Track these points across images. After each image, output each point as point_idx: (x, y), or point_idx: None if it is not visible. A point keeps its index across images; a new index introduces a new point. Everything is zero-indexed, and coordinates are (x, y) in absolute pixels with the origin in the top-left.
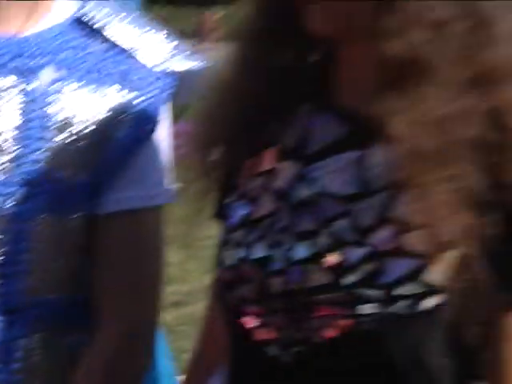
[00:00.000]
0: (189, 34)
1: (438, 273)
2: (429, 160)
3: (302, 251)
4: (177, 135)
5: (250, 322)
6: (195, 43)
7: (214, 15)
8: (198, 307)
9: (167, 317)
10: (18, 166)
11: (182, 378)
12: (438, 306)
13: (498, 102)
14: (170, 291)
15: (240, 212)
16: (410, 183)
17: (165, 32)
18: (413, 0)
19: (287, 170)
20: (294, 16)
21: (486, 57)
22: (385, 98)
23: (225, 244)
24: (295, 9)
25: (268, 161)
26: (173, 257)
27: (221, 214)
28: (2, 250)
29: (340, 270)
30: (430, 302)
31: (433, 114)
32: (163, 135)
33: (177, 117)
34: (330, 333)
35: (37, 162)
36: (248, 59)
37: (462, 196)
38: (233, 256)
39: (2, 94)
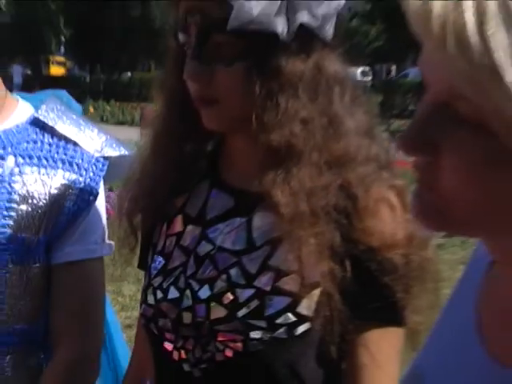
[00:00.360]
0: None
1: (306, 306)
2: (303, 220)
3: (205, 292)
4: (109, 201)
5: (169, 346)
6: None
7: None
8: None
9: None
10: None
11: None
12: (308, 331)
13: (348, 178)
14: (125, 316)
15: (158, 264)
16: (287, 238)
17: (98, 127)
18: (286, 102)
19: (192, 232)
20: (193, 115)
21: (338, 145)
22: (267, 175)
23: (147, 288)
24: (194, 111)
25: (177, 225)
26: (127, 290)
27: (143, 265)
28: None
29: (234, 306)
30: (302, 328)
31: (304, 186)
32: (101, 202)
33: (110, 188)
34: (228, 353)
35: (4, 226)
36: (160, 147)
37: (324, 248)
38: (154, 297)
39: None
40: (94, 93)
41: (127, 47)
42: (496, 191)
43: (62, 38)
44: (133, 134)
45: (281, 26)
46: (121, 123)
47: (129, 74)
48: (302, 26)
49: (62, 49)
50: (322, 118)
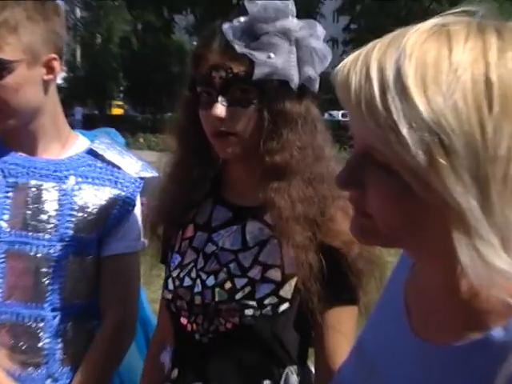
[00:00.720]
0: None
1: (286, 291)
2: (296, 221)
3: (211, 281)
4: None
5: (184, 320)
6: None
7: None
8: None
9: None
10: (57, 230)
11: None
12: (288, 309)
13: (323, 193)
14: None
15: (175, 260)
16: (280, 235)
17: (136, 156)
18: (287, 133)
19: (200, 237)
20: (201, 150)
21: (320, 167)
22: (269, 187)
23: (168, 277)
24: (202, 146)
25: (189, 231)
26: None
27: (165, 261)
28: (51, 276)
29: (232, 291)
30: (283, 307)
31: (299, 196)
32: (138, 210)
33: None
34: (228, 325)
35: (69, 229)
36: (176, 174)
37: (304, 244)
38: (173, 284)
39: (46, 191)
40: (144, 127)
41: (168, 94)
42: (407, 215)
43: (121, 88)
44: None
45: (296, 77)
46: (163, 150)
47: (169, 114)
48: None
49: (121, 95)
50: (310, 146)
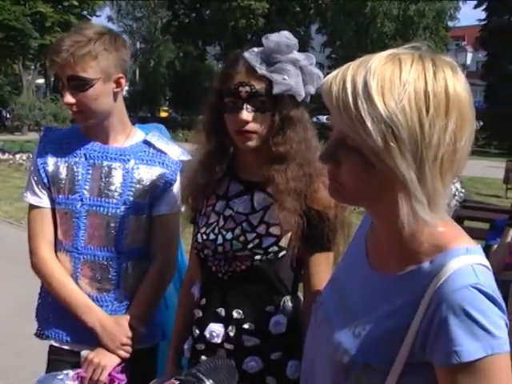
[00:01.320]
0: None
1: (284, 241)
2: (289, 193)
3: (229, 236)
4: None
5: (210, 263)
6: None
7: None
8: None
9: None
10: (121, 197)
11: None
12: (285, 254)
13: (310, 172)
14: None
15: (202, 221)
16: (277, 203)
17: (177, 145)
18: (289, 132)
19: (220, 203)
20: (223, 142)
21: (309, 154)
22: (272, 169)
23: (197, 233)
24: (224, 139)
25: (212, 200)
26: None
27: (194, 221)
28: (117, 229)
29: (245, 242)
30: (281, 253)
31: (292, 175)
32: (178, 184)
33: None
34: (243, 267)
35: (129, 195)
36: (204, 159)
37: (295, 209)
38: (201, 238)
39: (114, 169)
40: (183, 126)
41: (200, 103)
42: (368, 184)
43: (167, 98)
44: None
45: (303, 93)
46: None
47: (201, 116)
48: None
49: (167, 103)
50: (303, 140)
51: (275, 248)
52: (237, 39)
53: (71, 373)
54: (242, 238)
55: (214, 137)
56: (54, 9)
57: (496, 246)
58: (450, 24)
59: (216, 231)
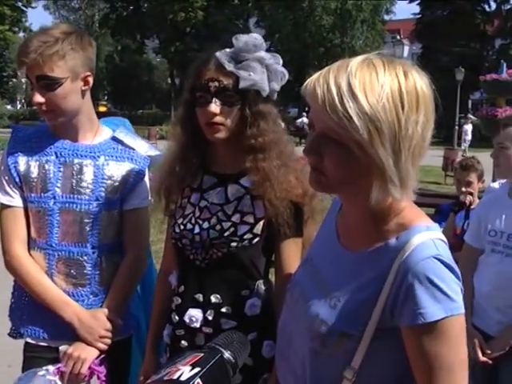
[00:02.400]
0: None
1: (257, 229)
2: (266, 181)
3: (205, 225)
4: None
5: (187, 252)
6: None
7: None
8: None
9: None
10: (93, 193)
11: None
12: (258, 241)
13: (284, 163)
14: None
15: (178, 212)
16: (258, 191)
17: (144, 140)
18: (262, 124)
19: (195, 195)
20: (197, 135)
21: (281, 146)
22: (248, 160)
23: (174, 224)
24: (197, 132)
25: (187, 192)
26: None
27: (170, 214)
28: (90, 224)
29: (221, 231)
30: (255, 240)
31: (270, 164)
32: (147, 178)
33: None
34: (219, 254)
35: (101, 191)
36: (178, 152)
37: (271, 197)
38: (178, 228)
39: (85, 167)
40: None
41: (140, 97)
42: (349, 173)
43: (105, 92)
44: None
45: (267, 88)
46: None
47: (140, 111)
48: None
49: (106, 97)
50: (275, 133)
51: (250, 235)
52: (176, 32)
53: (51, 368)
54: (218, 227)
55: (188, 130)
56: None
57: (442, 229)
58: (387, 18)
59: (193, 221)
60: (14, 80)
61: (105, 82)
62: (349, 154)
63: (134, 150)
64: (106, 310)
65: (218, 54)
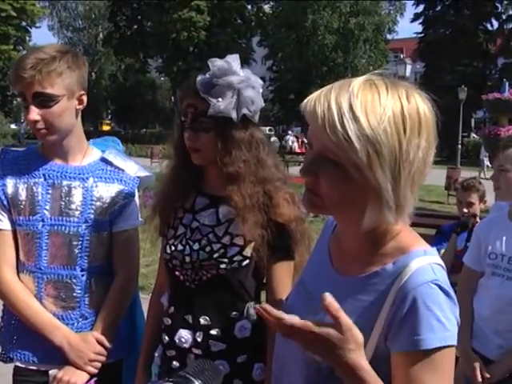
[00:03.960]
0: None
1: (247, 251)
2: (247, 209)
3: (196, 246)
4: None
5: (178, 273)
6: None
7: (158, 148)
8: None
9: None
10: (82, 215)
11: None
12: (248, 263)
13: (268, 188)
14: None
15: (171, 233)
16: (238, 218)
17: (133, 161)
18: (235, 152)
19: (187, 216)
20: (188, 158)
21: (264, 172)
22: (228, 188)
23: (166, 245)
24: (188, 155)
25: (180, 213)
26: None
27: (163, 234)
28: (79, 247)
29: (211, 252)
30: (245, 262)
31: (247, 193)
32: (136, 199)
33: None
34: (209, 275)
35: (90, 213)
36: (171, 175)
37: (257, 223)
38: (170, 249)
39: (74, 188)
40: (126, 139)
41: (143, 116)
42: (345, 195)
43: (109, 111)
44: (146, 162)
45: (234, 115)
46: (140, 156)
47: (144, 130)
48: (244, 114)
49: (109, 116)
50: (254, 159)
51: (239, 257)
52: (178, 51)
53: None
54: (208, 249)
55: (180, 152)
56: None
57: (443, 250)
58: (389, 37)
59: (184, 242)
60: (18, 99)
61: (108, 101)
62: (346, 175)
63: (123, 171)
64: (95, 333)
65: (198, 78)
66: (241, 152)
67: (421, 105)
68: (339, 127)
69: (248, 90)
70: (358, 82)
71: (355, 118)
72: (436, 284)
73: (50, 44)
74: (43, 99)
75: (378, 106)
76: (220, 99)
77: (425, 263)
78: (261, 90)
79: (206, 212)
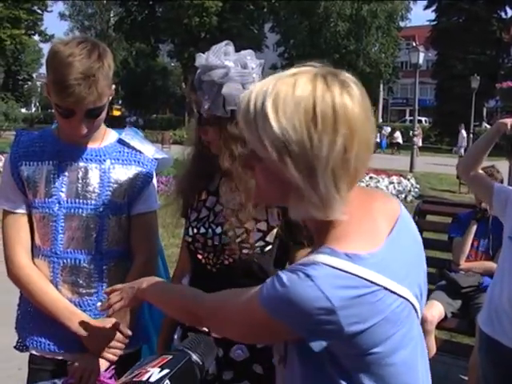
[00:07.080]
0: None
1: (269, 237)
2: (247, 190)
3: (219, 230)
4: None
5: (200, 256)
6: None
7: (169, 134)
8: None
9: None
10: (99, 198)
11: None
12: (270, 249)
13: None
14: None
15: (193, 215)
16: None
17: (151, 144)
18: (233, 143)
19: (211, 199)
20: (206, 148)
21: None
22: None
23: (188, 227)
24: (206, 147)
25: (203, 195)
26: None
27: (186, 215)
28: (96, 230)
29: (233, 237)
30: (267, 248)
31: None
32: (154, 181)
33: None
34: (230, 260)
35: (108, 196)
36: (194, 159)
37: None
38: (192, 231)
39: (91, 170)
40: (136, 125)
41: (153, 101)
42: (276, 187)
43: (120, 96)
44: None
45: (222, 112)
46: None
47: (154, 115)
48: (232, 110)
49: (120, 101)
50: (244, 148)
51: (262, 243)
52: (190, 37)
53: (58, 382)
54: (231, 233)
55: (199, 143)
56: (3, 4)
57: (459, 238)
58: (402, 24)
59: (206, 225)
60: (29, 83)
61: (119, 86)
62: (269, 170)
63: (140, 152)
64: (114, 320)
65: (197, 73)
66: (236, 143)
67: (339, 99)
68: (253, 125)
69: (230, 84)
70: (282, 75)
71: (265, 116)
72: (281, 273)
73: (75, 39)
74: (94, 112)
75: (289, 101)
76: (207, 97)
77: (315, 258)
78: (254, 78)
79: (230, 195)
